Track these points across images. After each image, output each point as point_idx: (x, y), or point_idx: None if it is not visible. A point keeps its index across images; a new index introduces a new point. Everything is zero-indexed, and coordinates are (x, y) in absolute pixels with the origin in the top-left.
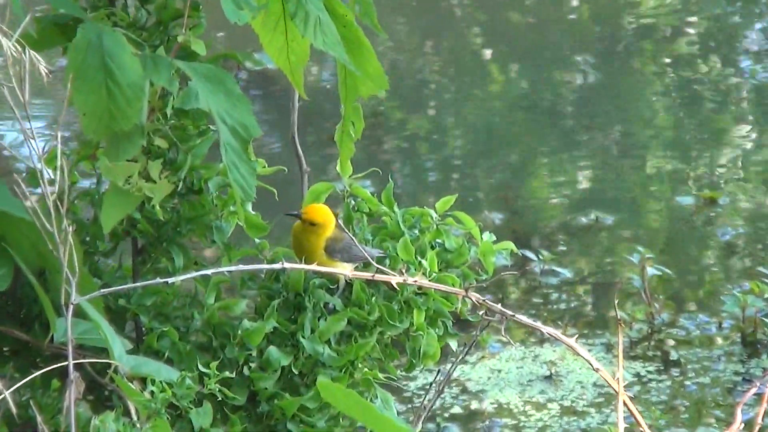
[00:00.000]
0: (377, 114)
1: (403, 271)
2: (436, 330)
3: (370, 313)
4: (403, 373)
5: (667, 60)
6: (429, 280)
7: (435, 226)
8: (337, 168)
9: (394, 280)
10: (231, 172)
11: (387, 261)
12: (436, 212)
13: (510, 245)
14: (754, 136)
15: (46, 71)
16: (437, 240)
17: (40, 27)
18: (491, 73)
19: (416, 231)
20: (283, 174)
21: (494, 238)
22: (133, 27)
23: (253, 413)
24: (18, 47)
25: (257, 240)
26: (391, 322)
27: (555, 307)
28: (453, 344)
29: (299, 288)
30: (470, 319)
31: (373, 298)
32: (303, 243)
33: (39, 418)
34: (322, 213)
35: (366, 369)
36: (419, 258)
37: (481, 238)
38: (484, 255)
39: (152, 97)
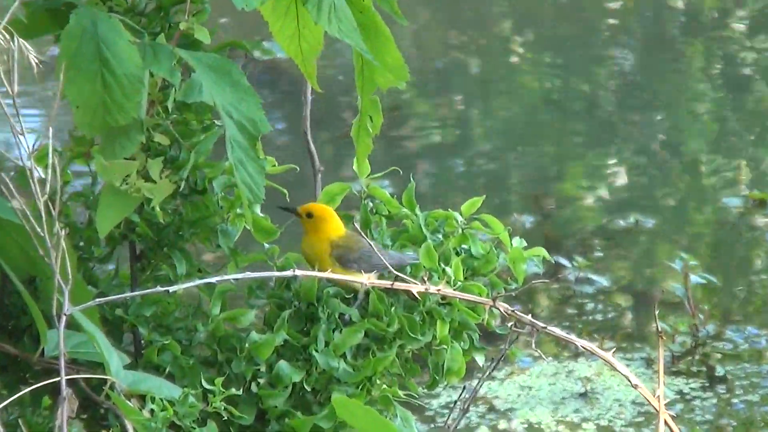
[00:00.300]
0: (397, 107)
1: (425, 279)
2: (461, 344)
3: (390, 324)
4: (425, 391)
5: (716, 46)
6: (453, 289)
7: (460, 231)
8: (354, 167)
9: (415, 288)
10: (238, 171)
11: (408, 269)
12: (461, 215)
13: (542, 252)
14: None
15: (37, 61)
16: (463, 246)
17: (30, 13)
18: (521, 62)
19: (440, 236)
20: (294, 173)
21: (525, 243)
22: (131, 13)
23: None
24: (6, 35)
25: (266, 245)
26: (412, 335)
27: (590, 318)
28: (479, 359)
29: (312, 297)
30: (498, 332)
31: (393, 309)
32: (309, 253)
33: None
34: (320, 206)
35: (385, 385)
36: (443, 265)
37: (511, 244)
38: (514, 262)
39: (152, 90)
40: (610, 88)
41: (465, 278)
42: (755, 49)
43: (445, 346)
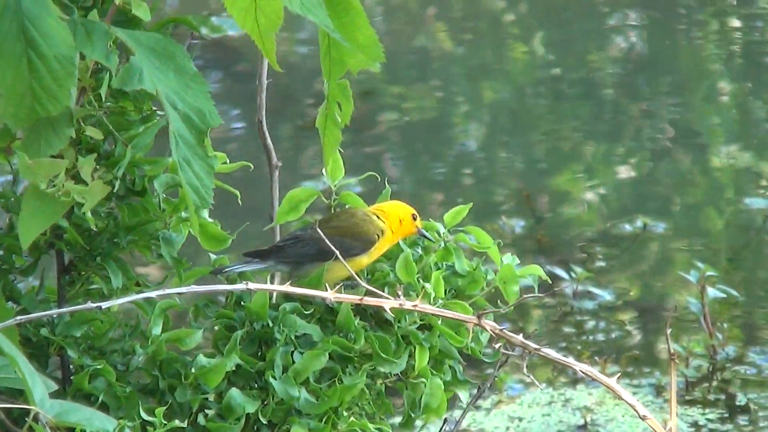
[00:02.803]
0: (369, 93)
1: (400, 293)
2: (442, 376)
3: (356, 341)
4: (399, 430)
5: (737, 22)
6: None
7: (443, 244)
8: (324, 171)
9: (388, 304)
10: (183, 171)
11: (386, 289)
12: (444, 226)
13: (537, 270)
14: None
15: None
16: (446, 262)
17: None
18: (511, 38)
19: (419, 249)
20: (248, 170)
21: (517, 261)
22: None
23: None
24: None
25: (215, 255)
26: (383, 356)
27: (591, 338)
28: (463, 395)
29: (265, 316)
30: (485, 360)
31: (357, 321)
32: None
33: None
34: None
35: (353, 418)
36: (422, 282)
37: (501, 261)
38: (505, 282)
39: (83, 75)
40: (612, 70)
41: (447, 299)
42: None
43: (424, 379)
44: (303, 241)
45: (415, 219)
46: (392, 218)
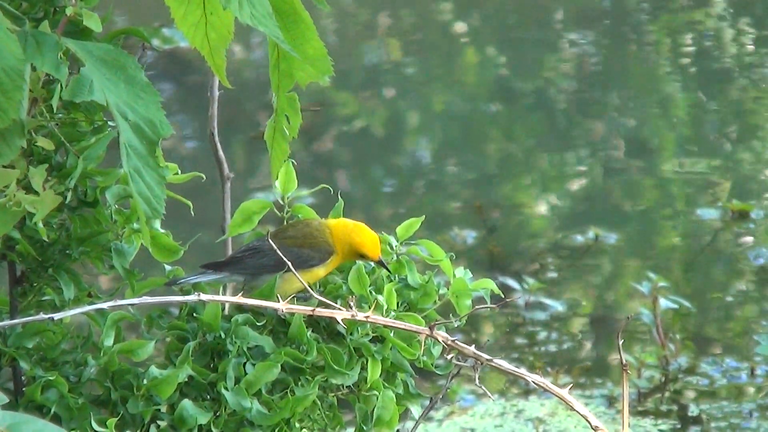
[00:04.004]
0: (318, 105)
1: (352, 304)
2: (395, 389)
3: (308, 353)
4: None
5: (689, 35)
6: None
7: (395, 257)
8: (275, 184)
9: (340, 315)
10: (134, 182)
11: (339, 302)
12: (396, 239)
13: (490, 284)
14: None
15: None
16: (398, 275)
17: None
18: (463, 49)
19: (371, 263)
20: (199, 181)
21: (470, 275)
22: None
23: None
24: None
25: (170, 266)
26: (336, 368)
27: (543, 349)
28: (414, 409)
29: (217, 328)
30: (437, 372)
31: (310, 333)
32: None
33: None
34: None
35: (305, 429)
36: (375, 295)
37: (454, 274)
38: (457, 296)
39: (34, 86)
40: (565, 81)
41: (399, 312)
42: (737, 38)
43: (376, 392)
44: (262, 252)
45: (362, 258)
46: (338, 241)
